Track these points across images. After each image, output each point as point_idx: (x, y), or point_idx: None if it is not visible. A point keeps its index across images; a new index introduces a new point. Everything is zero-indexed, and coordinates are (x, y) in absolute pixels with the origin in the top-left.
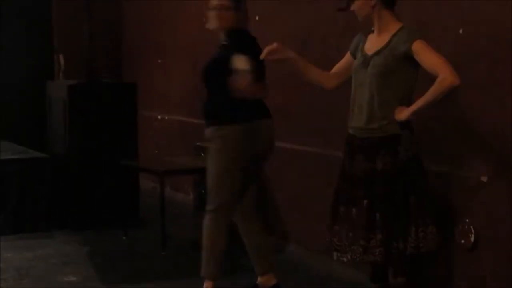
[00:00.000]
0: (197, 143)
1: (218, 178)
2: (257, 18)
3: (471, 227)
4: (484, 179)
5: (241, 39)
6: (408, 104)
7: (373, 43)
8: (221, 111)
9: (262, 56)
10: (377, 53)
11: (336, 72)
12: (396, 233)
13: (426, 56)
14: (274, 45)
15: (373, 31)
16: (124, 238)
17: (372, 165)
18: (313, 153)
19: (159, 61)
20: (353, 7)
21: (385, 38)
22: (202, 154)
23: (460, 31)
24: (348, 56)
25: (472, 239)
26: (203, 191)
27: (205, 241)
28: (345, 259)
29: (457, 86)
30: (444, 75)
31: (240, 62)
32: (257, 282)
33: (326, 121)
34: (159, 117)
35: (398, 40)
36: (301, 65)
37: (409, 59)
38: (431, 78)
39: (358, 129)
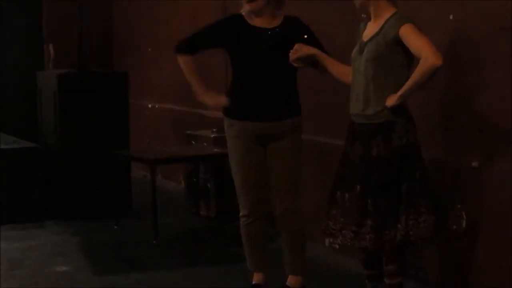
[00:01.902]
0: (188, 132)
1: (298, 171)
2: None
3: (463, 212)
4: (475, 165)
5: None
6: None
7: (369, 30)
8: (297, 99)
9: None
10: (371, 39)
11: (351, 67)
12: (387, 221)
13: (412, 39)
14: (296, 46)
15: (369, 19)
16: (116, 227)
17: (368, 152)
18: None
19: (149, 49)
20: (358, 5)
21: (379, 24)
22: (193, 142)
23: (451, 17)
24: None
25: (464, 224)
26: (195, 179)
27: (303, 235)
28: (337, 246)
29: (439, 67)
30: (425, 56)
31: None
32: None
33: (330, 109)
34: (150, 105)
35: (389, 26)
36: (324, 61)
37: (400, 45)
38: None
39: (356, 115)
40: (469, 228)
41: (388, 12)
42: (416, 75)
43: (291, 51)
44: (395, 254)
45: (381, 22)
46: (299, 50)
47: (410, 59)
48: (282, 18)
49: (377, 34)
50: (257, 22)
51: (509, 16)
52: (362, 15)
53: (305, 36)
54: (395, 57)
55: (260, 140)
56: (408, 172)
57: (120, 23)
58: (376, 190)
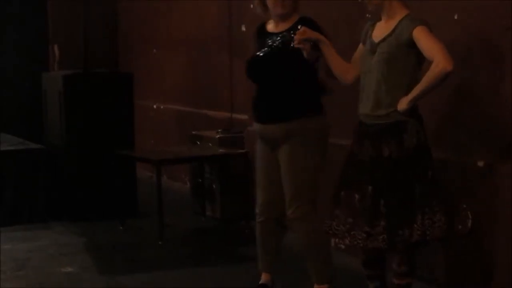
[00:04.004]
0: (193, 132)
1: (314, 173)
2: (251, 6)
3: (469, 212)
4: (481, 164)
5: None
6: None
7: (380, 30)
8: (302, 102)
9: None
10: (383, 40)
11: (352, 65)
12: (401, 221)
13: (424, 42)
14: (302, 29)
15: (377, 19)
16: (121, 228)
17: (378, 152)
18: None
19: (155, 50)
20: (371, 6)
21: (391, 25)
22: (198, 143)
23: (455, 16)
24: (360, 47)
25: (469, 224)
26: (200, 180)
27: (316, 242)
28: (343, 246)
29: (450, 72)
30: (437, 60)
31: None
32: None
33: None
34: (155, 106)
35: (402, 27)
36: (328, 51)
37: (412, 46)
38: None
39: (366, 115)
40: (475, 228)
41: (400, 14)
42: (427, 79)
43: (297, 32)
44: (408, 255)
45: (393, 23)
46: (303, 32)
47: (422, 61)
48: (295, 20)
49: (390, 35)
50: (270, 27)
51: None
52: (367, 15)
53: (299, 27)
54: (407, 58)
55: (269, 143)
56: (420, 172)
57: (125, 23)
58: (389, 191)
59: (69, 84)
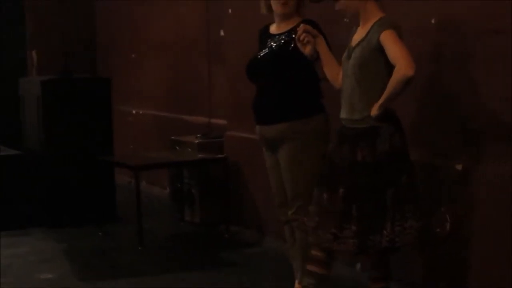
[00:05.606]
0: (172, 137)
1: (311, 173)
2: (230, 11)
3: (447, 215)
4: (459, 167)
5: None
6: None
7: (357, 35)
8: (305, 102)
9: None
10: (358, 44)
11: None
12: (372, 227)
13: (389, 47)
14: (302, 25)
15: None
16: (100, 234)
17: (353, 156)
18: None
19: (133, 55)
20: (338, 6)
21: (366, 29)
22: (177, 148)
23: (433, 21)
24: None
25: (447, 227)
26: (179, 185)
27: (301, 251)
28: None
29: (411, 78)
30: (399, 66)
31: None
32: None
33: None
34: (134, 111)
35: (373, 32)
36: (323, 53)
37: (382, 51)
38: None
39: (345, 119)
40: (453, 231)
41: (375, 17)
42: (390, 85)
43: (298, 28)
44: (380, 259)
45: (368, 27)
46: (304, 27)
47: (394, 65)
48: (297, 21)
49: (363, 39)
50: (273, 29)
51: (498, 17)
52: (345, 20)
53: (293, 36)
54: (379, 63)
55: (269, 145)
56: (393, 177)
57: (103, 28)
58: (361, 195)
59: (47, 89)
